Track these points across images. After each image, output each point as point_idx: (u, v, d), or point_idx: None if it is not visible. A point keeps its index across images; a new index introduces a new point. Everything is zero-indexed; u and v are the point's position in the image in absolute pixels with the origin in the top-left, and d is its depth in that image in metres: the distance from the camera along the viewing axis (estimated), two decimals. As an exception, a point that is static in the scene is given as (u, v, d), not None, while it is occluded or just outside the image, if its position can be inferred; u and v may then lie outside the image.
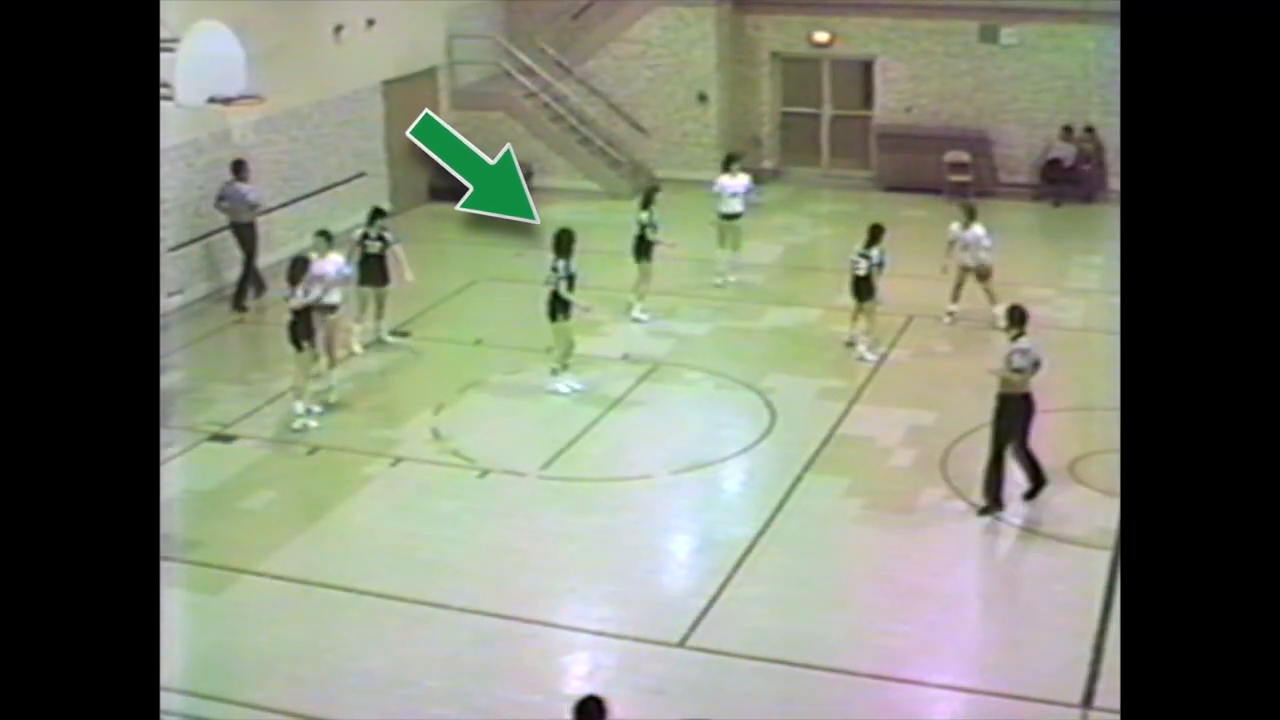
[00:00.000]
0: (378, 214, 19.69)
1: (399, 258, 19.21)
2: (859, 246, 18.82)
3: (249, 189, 21.03)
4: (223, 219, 21.22)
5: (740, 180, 21.72)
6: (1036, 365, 14.49)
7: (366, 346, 19.21)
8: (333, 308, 17.54)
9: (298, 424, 16.83)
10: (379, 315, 19.46)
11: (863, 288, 18.71)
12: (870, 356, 18.65)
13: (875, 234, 18.87)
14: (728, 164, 22.04)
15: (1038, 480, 14.72)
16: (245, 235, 21.14)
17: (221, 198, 20.94)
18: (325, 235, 17.95)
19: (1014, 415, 14.55)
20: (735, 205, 21.62)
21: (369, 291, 19.25)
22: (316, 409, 17.07)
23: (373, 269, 19.17)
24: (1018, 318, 14.65)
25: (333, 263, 17.63)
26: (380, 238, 19.17)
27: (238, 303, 21.09)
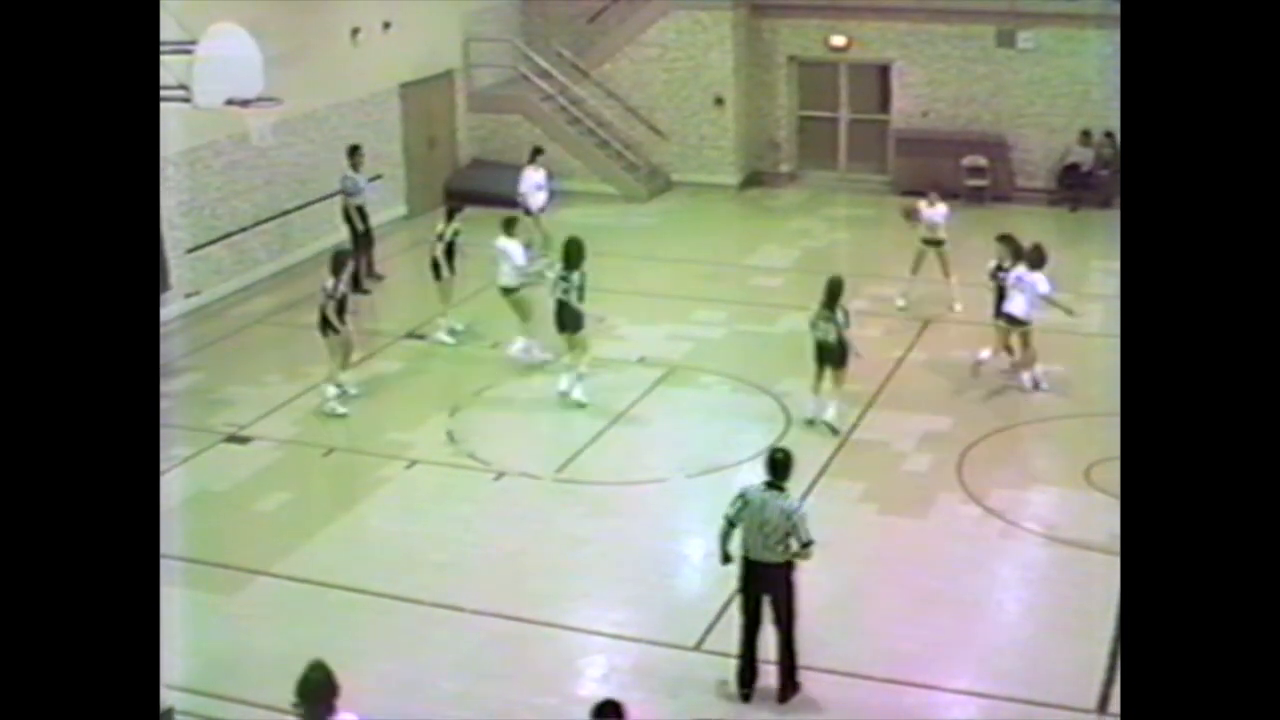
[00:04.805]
0: (455, 211, 20.11)
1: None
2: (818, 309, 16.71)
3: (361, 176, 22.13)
4: (234, 221, 21.68)
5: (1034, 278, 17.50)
6: (793, 540, 11.08)
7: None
8: None
9: (327, 407, 17.33)
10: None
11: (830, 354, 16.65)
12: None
13: (835, 291, 16.62)
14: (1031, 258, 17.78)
15: (781, 669, 11.57)
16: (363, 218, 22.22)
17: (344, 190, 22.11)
18: None
19: (741, 581, 11.51)
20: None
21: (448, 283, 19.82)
22: (343, 398, 17.49)
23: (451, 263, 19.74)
24: (777, 464, 11.34)
25: None
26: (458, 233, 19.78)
27: (374, 274, 22.19)
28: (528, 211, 22.19)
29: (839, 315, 16.53)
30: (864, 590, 13.37)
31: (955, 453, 15.95)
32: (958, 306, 20.35)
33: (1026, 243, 17.99)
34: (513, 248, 18.55)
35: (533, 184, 22.42)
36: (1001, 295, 17.80)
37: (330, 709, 8.61)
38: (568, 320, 17.34)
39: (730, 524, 11.30)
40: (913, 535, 14.37)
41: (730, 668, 11.72)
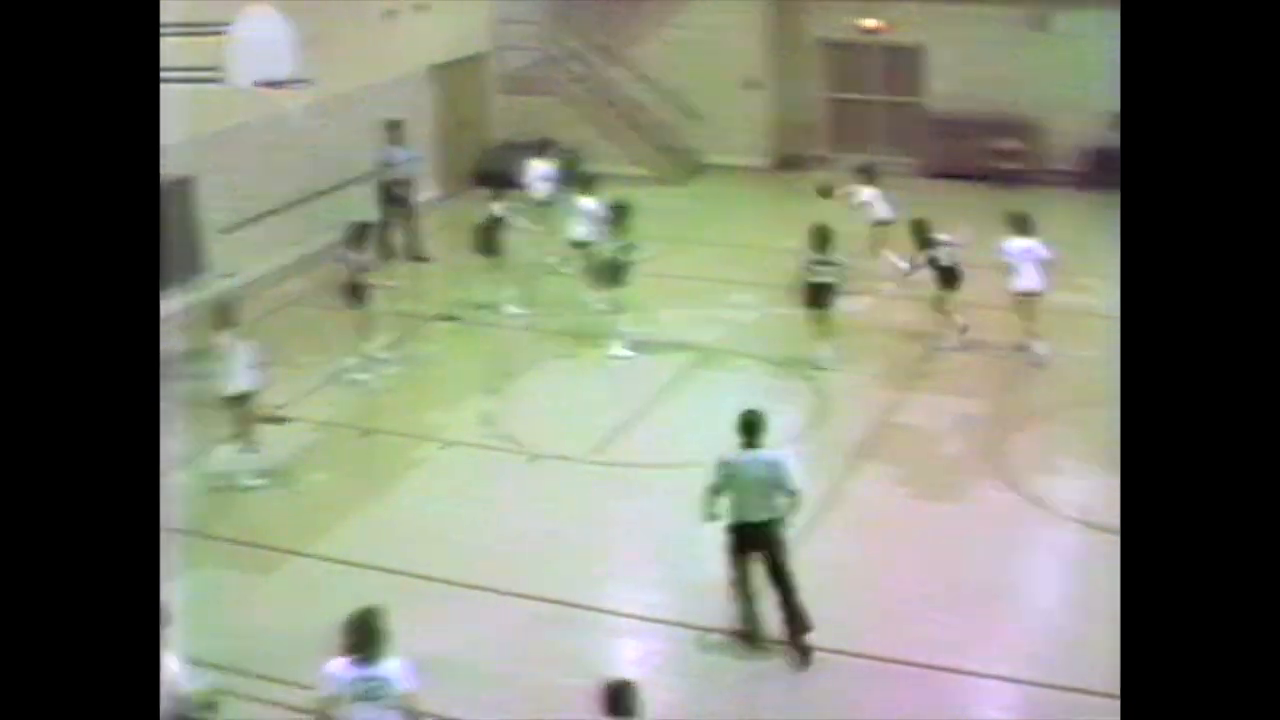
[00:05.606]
0: (499, 191, 20.71)
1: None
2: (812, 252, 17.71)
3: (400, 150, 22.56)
4: (269, 202, 21.79)
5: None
6: (780, 495, 11.51)
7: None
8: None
9: (348, 376, 18.05)
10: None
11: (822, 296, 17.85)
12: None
13: (824, 237, 17.78)
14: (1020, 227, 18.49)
15: (792, 628, 11.93)
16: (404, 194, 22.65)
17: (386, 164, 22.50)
18: None
19: (733, 546, 11.93)
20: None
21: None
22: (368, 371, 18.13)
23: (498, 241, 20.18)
24: (751, 425, 11.74)
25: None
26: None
27: (419, 255, 22.61)
28: (532, 201, 22.26)
29: (836, 259, 17.64)
30: (898, 576, 13.36)
31: (990, 437, 15.93)
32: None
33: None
34: (591, 206, 19.47)
35: (538, 175, 22.43)
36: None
37: (371, 658, 8.77)
38: (609, 277, 18.34)
39: (715, 493, 11.57)
40: (947, 520, 14.36)
41: (760, 651, 11.82)
